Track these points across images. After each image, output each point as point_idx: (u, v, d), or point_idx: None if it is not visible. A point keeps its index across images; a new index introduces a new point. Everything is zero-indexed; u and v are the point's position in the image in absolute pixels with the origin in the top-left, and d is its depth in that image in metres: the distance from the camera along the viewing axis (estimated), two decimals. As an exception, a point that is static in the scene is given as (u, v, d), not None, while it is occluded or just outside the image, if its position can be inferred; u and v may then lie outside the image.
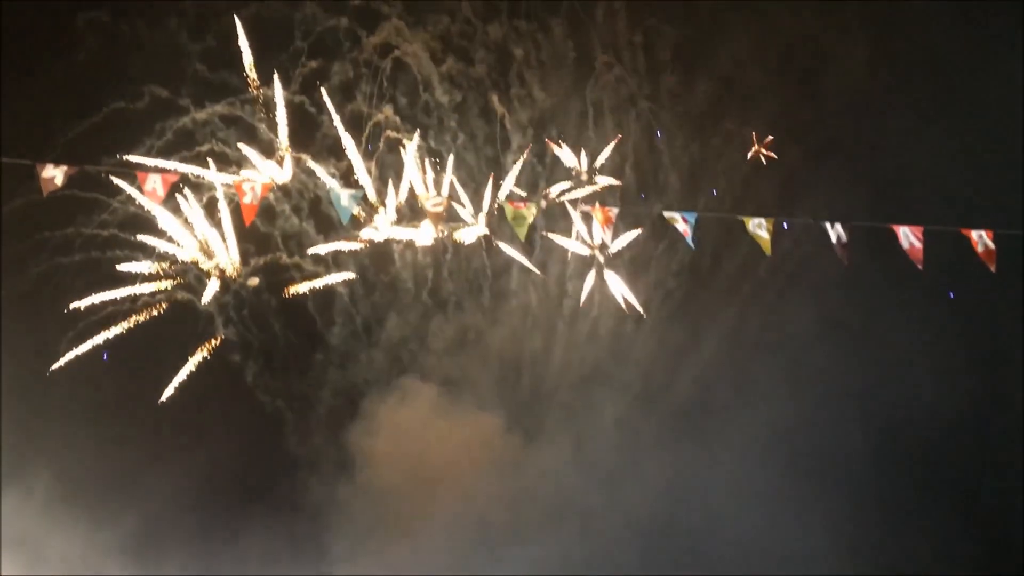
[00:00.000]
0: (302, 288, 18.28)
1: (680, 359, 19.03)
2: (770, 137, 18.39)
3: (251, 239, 17.90)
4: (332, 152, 18.42)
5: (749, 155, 18.57)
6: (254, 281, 18.36)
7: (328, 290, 18.52)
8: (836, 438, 18.12)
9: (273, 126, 18.19)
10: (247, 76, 18.04)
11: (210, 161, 17.29)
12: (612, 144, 18.26)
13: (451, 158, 18.08)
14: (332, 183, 13.83)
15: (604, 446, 18.57)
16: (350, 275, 18.26)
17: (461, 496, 18.13)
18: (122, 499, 17.02)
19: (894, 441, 18.13)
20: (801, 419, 17.65)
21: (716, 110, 19.11)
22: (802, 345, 17.78)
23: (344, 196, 11.03)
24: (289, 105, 18.26)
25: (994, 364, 17.75)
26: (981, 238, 11.19)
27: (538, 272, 18.28)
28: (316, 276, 18.34)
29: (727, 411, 18.38)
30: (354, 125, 18.53)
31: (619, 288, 17.75)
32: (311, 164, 16.41)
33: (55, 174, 10.35)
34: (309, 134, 18.44)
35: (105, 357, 17.31)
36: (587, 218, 14.75)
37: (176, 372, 17.58)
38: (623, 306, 17.80)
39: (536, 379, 19.49)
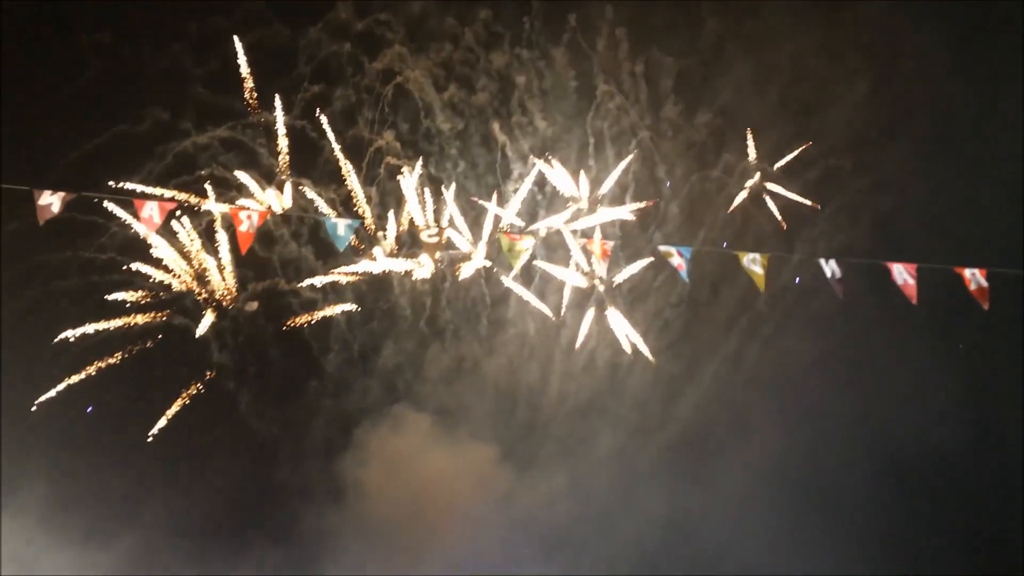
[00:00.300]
0: (300, 320, 18.44)
1: (677, 391, 19.16)
2: (772, 168, 18.65)
3: (250, 264, 18.07)
4: (333, 178, 18.71)
5: (747, 190, 18.82)
6: (253, 306, 18.53)
7: (325, 318, 18.66)
8: (834, 471, 18.26)
9: (274, 152, 18.57)
10: (248, 101, 18.40)
11: (208, 188, 17.55)
12: (622, 164, 18.47)
13: (451, 189, 18.25)
14: (328, 212, 13.97)
15: (599, 478, 18.61)
16: (350, 307, 18.39)
17: (455, 525, 18.15)
18: (115, 525, 17.18)
19: (893, 473, 18.25)
20: (799, 452, 17.79)
21: (716, 142, 19.33)
22: (799, 377, 17.94)
23: (340, 226, 11.03)
24: (291, 130, 18.64)
25: (990, 398, 17.88)
26: (974, 276, 11.36)
27: (551, 315, 18.39)
28: (314, 303, 18.51)
29: (724, 444, 18.49)
30: (355, 151, 18.85)
31: (621, 327, 17.88)
32: (309, 193, 16.55)
33: (52, 201, 10.43)
34: (310, 159, 18.72)
35: (89, 410, 17.63)
36: (585, 250, 14.77)
37: (170, 398, 17.81)
38: (626, 348, 17.91)
39: (532, 410, 19.54)
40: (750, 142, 18.96)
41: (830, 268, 11.55)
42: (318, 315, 17.91)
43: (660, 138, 19.29)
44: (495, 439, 19.00)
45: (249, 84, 18.13)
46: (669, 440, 18.96)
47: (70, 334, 16.76)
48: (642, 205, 18.25)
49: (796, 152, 18.79)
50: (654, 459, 18.64)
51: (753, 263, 11.49)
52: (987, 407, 17.69)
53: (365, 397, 19.20)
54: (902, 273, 11.23)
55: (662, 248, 11.49)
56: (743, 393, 18.70)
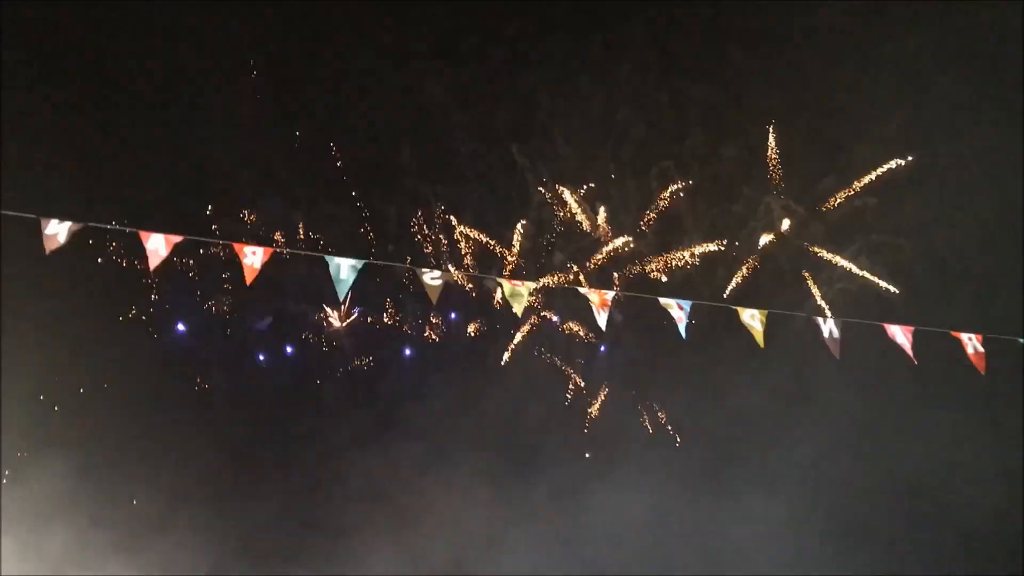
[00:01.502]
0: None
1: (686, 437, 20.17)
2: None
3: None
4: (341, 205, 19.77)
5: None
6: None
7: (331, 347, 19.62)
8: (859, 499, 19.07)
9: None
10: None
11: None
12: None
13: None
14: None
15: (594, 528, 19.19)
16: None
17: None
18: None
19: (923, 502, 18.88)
20: (822, 496, 18.74)
21: (741, 176, 20.00)
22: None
23: (344, 267, 11.72)
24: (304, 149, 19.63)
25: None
26: (971, 340, 12.22)
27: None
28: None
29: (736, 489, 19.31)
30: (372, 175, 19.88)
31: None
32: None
33: (59, 231, 11.13)
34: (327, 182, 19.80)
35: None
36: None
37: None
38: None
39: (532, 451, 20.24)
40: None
41: (828, 327, 12.47)
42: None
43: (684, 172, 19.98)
44: (493, 477, 19.56)
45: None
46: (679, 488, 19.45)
47: None
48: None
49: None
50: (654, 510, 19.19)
51: (752, 319, 12.41)
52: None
53: (360, 427, 19.93)
54: (898, 335, 12.13)
55: (663, 301, 12.38)
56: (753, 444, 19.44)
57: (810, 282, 19.27)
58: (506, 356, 19.85)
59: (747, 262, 19.65)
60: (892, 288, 18.51)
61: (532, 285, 13.54)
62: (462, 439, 19.53)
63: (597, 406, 20.27)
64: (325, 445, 19.66)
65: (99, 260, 18.30)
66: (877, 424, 18.80)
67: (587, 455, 20.43)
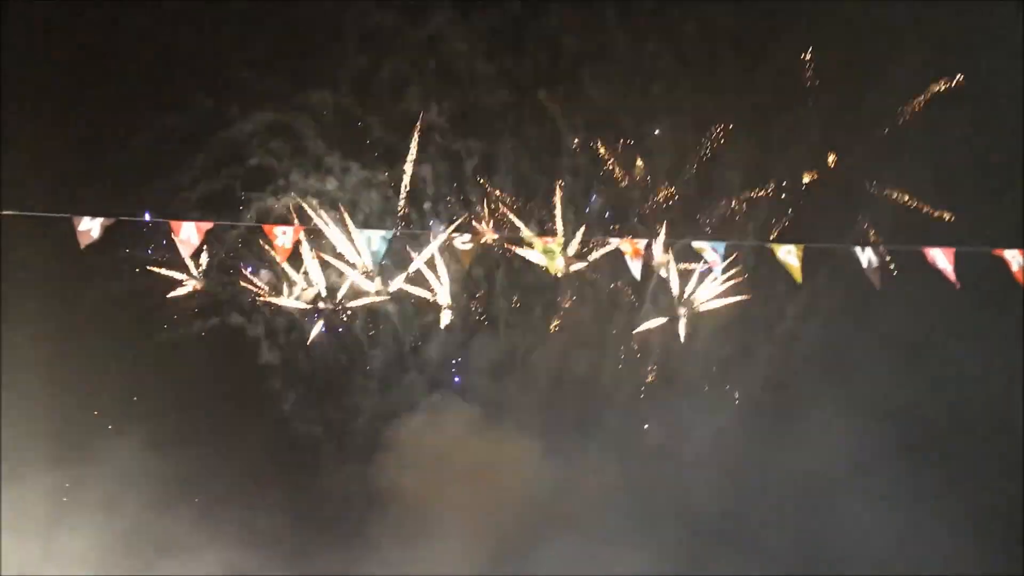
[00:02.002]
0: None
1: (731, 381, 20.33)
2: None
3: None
4: (385, 159, 19.80)
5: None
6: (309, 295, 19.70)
7: (375, 309, 19.63)
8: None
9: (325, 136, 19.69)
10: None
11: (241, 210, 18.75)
12: None
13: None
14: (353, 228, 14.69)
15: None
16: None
17: (500, 523, 19.71)
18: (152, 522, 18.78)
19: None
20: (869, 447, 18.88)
21: (778, 107, 19.67)
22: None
23: (375, 239, 12.08)
24: (335, 109, 19.78)
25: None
26: (1015, 257, 12.18)
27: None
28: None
29: (780, 430, 19.53)
30: (402, 128, 19.60)
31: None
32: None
33: (91, 227, 11.66)
34: (357, 140, 19.90)
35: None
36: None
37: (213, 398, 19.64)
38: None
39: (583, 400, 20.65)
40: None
41: (866, 256, 12.47)
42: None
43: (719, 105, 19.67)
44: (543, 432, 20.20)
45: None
46: (721, 435, 20.05)
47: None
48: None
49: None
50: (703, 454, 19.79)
51: (788, 255, 12.46)
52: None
53: (412, 391, 20.75)
54: (940, 258, 12.10)
55: (695, 244, 12.49)
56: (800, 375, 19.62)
57: (853, 212, 19.10)
58: (551, 318, 20.20)
59: (789, 197, 19.54)
60: (937, 211, 18.39)
61: (563, 241, 13.67)
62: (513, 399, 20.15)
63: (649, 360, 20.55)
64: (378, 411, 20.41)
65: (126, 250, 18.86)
66: (933, 348, 18.80)
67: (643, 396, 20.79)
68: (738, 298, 15.30)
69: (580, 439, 20.40)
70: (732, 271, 14.58)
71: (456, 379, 21.03)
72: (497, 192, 19.49)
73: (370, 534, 19.70)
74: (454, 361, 21.04)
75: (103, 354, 19.34)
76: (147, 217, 14.48)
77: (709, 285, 15.00)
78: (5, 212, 11.94)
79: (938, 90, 18.81)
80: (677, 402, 20.17)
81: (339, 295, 16.31)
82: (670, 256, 14.11)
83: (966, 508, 18.62)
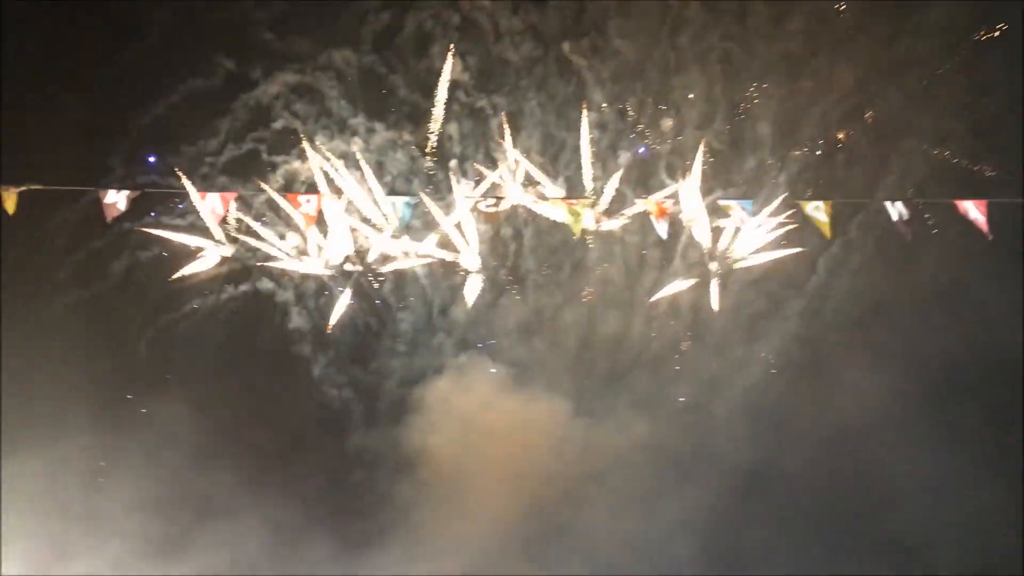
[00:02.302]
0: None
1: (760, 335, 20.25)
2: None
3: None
4: (410, 118, 19.75)
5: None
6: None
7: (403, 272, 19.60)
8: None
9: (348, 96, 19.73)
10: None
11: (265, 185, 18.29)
12: None
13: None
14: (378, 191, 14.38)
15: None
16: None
17: (530, 485, 19.95)
18: (172, 494, 19.31)
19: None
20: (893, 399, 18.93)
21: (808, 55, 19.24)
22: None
23: (398, 204, 12.16)
24: (358, 68, 19.76)
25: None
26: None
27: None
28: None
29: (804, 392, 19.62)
30: (425, 87, 19.66)
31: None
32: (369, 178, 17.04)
33: (117, 199, 11.90)
34: (382, 99, 19.80)
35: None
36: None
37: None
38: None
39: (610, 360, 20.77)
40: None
41: (896, 211, 12.42)
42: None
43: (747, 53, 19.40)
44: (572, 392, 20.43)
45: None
46: (748, 393, 20.15)
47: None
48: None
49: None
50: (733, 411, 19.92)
51: (817, 211, 12.44)
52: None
53: (439, 353, 20.95)
54: (972, 210, 12.02)
55: (722, 202, 12.49)
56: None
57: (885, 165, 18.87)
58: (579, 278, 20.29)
59: (821, 153, 19.37)
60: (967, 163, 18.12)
61: (592, 200, 13.73)
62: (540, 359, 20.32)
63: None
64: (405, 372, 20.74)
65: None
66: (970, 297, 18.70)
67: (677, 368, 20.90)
68: (793, 250, 15.24)
69: (610, 398, 20.62)
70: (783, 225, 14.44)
71: (484, 342, 21.18)
72: (521, 151, 19.43)
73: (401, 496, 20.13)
74: (482, 323, 21.06)
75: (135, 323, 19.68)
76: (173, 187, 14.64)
77: (745, 239, 14.96)
78: (32, 186, 12.14)
79: (978, 39, 18.43)
80: (706, 359, 20.30)
81: (367, 259, 16.47)
82: (701, 211, 14.09)
83: (1001, 453, 18.80)
